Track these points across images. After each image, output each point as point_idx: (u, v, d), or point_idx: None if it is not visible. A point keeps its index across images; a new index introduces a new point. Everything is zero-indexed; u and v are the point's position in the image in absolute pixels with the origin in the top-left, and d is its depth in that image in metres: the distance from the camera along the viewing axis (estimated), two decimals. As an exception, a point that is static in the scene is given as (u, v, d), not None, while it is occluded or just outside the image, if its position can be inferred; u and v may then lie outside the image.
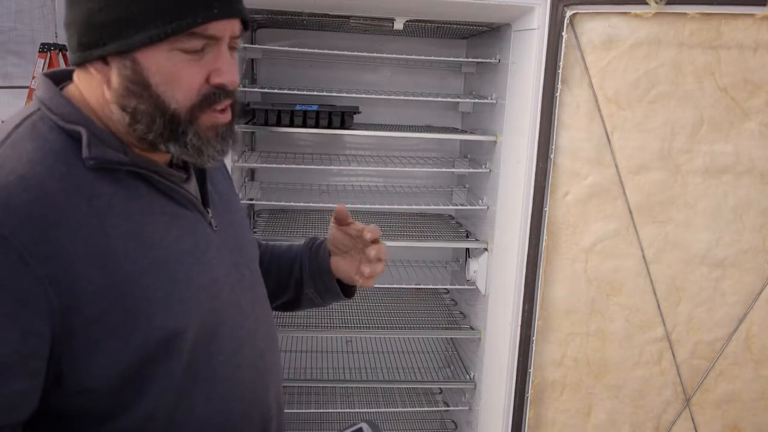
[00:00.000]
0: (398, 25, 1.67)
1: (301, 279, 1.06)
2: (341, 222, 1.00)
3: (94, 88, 0.72)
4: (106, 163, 0.69)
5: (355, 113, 1.78)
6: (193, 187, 0.83)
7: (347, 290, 1.08)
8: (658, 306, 1.55)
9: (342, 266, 1.04)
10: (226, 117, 0.76)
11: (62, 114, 0.70)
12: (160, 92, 0.69)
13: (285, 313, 2.01)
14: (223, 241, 0.83)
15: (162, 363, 0.72)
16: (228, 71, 0.72)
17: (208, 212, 0.82)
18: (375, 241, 0.99)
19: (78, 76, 0.74)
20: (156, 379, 0.73)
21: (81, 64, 0.71)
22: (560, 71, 1.44)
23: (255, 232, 1.91)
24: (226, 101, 0.74)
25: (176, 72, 0.69)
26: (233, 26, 0.72)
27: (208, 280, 0.78)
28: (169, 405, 0.74)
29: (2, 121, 0.79)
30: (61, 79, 0.76)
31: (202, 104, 0.71)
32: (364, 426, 0.88)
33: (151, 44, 0.67)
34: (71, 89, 0.74)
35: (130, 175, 0.72)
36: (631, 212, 1.51)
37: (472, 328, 1.96)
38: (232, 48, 0.74)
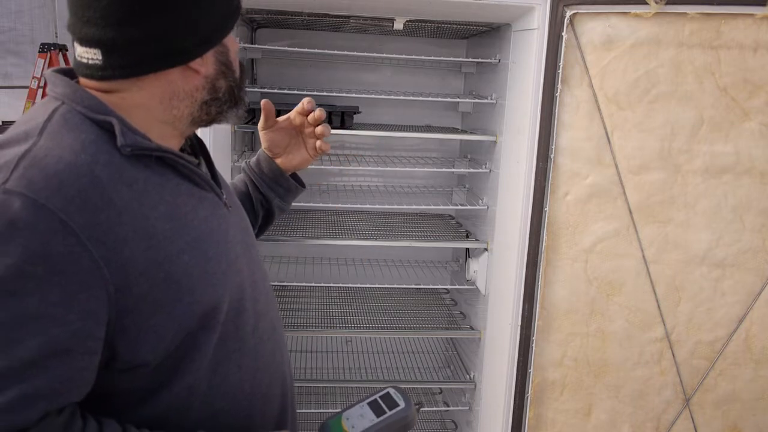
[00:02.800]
0: (398, 25, 1.67)
1: (264, 196, 1.16)
2: (269, 118, 1.11)
3: (162, 89, 0.77)
4: (140, 149, 0.74)
5: (355, 113, 1.78)
6: (203, 169, 0.88)
7: (300, 183, 1.21)
8: (658, 306, 1.55)
9: (291, 160, 1.16)
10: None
11: (90, 106, 0.74)
12: (234, 68, 0.83)
13: (285, 313, 2.01)
14: (236, 220, 0.90)
15: (201, 336, 0.77)
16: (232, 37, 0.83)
17: (222, 194, 0.87)
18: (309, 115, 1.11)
19: (130, 86, 0.76)
20: (195, 352, 0.77)
21: (176, 65, 0.77)
22: (560, 71, 1.44)
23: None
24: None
25: (235, 45, 0.84)
26: None
27: (233, 257, 0.84)
28: (206, 376, 0.80)
29: (1, 122, 0.80)
30: (70, 76, 0.79)
31: (241, 67, 0.85)
32: (391, 390, 0.93)
33: (230, 29, 0.81)
34: (84, 85, 0.78)
35: (158, 162, 0.77)
36: (631, 212, 1.51)
37: (472, 328, 1.96)
38: None
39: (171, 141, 0.82)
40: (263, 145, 1.15)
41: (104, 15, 0.71)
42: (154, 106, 0.78)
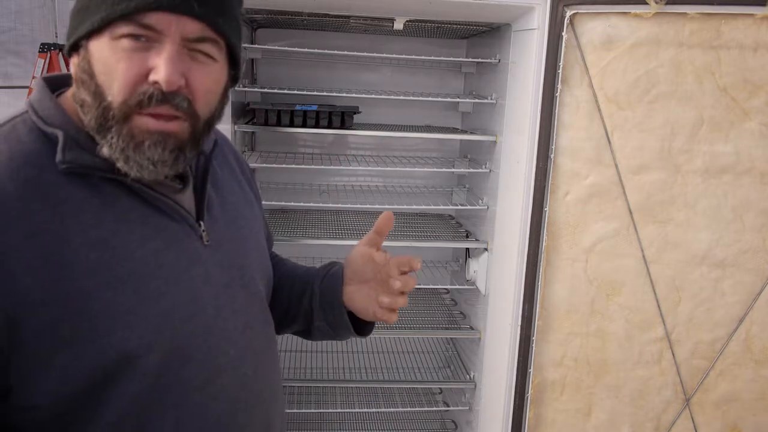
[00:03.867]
0: (398, 25, 1.67)
1: (311, 309, 0.95)
2: (381, 232, 0.88)
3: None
4: (80, 167, 0.66)
5: (355, 113, 1.78)
6: (187, 197, 0.77)
7: (362, 327, 0.95)
8: (658, 306, 1.55)
9: (358, 297, 0.90)
10: (171, 126, 0.67)
11: (45, 116, 0.68)
12: (100, 82, 0.66)
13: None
14: (215, 257, 0.77)
15: (121, 385, 0.67)
16: (164, 68, 0.64)
17: (200, 225, 0.77)
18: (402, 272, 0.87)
19: None
20: (113, 401, 0.67)
21: (69, 57, 0.70)
22: (560, 71, 1.44)
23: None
24: (164, 107, 0.66)
25: (115, 61, 0.65)
26: (183, 24, 0.65)
27: (185, 299, 0.72)
28: (127, 430, 0.69)
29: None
30: (64, 83, 0.74)
31: (138, 102, 0.65)
32: None
33: (96, 31, 0.65)
34: (69, 91, 0.72)
35: (110, 182, 0.69)
36: (631, 212, 1.51)
37: (472, 328, 1.96)
38: (196, 52, 0.68)
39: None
40: (350, 254, 0.92)
41: None
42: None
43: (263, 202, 1.97)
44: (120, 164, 0.66)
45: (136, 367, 0.67)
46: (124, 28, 0.64)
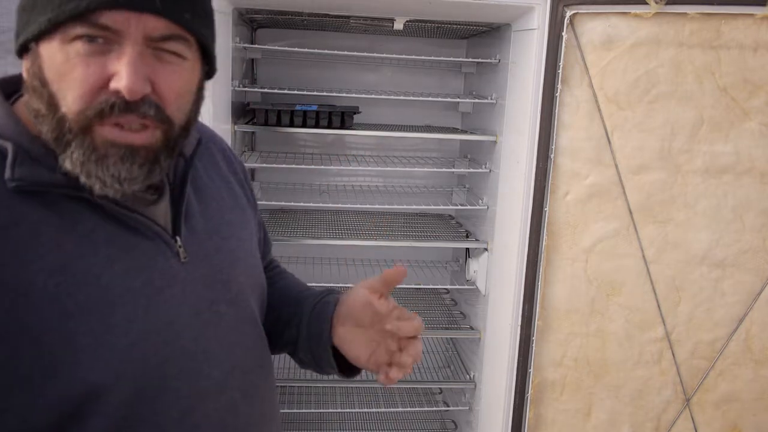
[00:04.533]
0: (398, 25, 1.67)
1: (297, 340, 0.86)
2: (388, 283, 0.80)
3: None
4: (32, 184, 0.59)
5: (355, 113, 1.78)
6: (161, 210, 0.69)
7: (348, 369, 0.85)
8: (658, 306, 1.55)
9: (348, 340, 0.81)
10: (139, 137, 0.60)
11: None
12: (53, 90, 0.58)
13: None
14: (195, 275, 0.70)
15: (88, 422, 0.60)
16: (126, 74, 0.57)
17: (176, 241, 0.69)
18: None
19: None
20: None
21: (19, 58, 0.62)
22: (560, 71, 1.44)
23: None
24: (129, 116, 0.59)
25: (68, 68, 0.57)
26: (144, 23, 0.58)
27: (159, 324, 0.65)
28: None
29: None
30: (19, 86, 0.64)
31: (95, 111, 0.58)
32: None
33: (45, 33, 0.58)
34: (23, 98, 0.64)
35: (71, 199, 0.61)
36: (631, 212, 1.51)
37: (472, 328, 1.96)
38: (162, 51, 0.61)
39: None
40: (349, 294, 0.83)
41: None
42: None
43: (263, 203, 1.98)
44: (82, 179, 0.59)
45: (103, 402, 0.61)
46: (78, 29, 0.57)
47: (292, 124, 1.76)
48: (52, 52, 0.58)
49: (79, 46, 0.57)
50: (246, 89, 1.87)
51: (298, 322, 0.86)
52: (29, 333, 0.57)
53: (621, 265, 1.54)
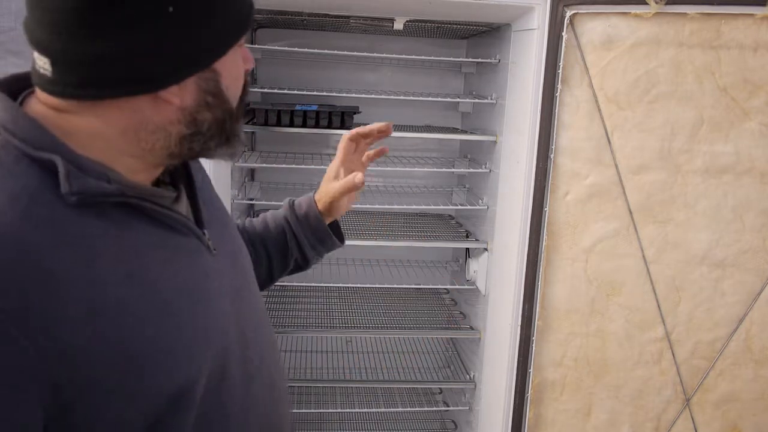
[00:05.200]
0: (398, 25, 1.67)
1: (303, 253, 1.05)
2: (384, 134, 1.01)
3: (125, 119, 0.61)
4: (90, 197, 0.58)
5: (355, 113, 1.78)
6: (184, 206, 0.73)
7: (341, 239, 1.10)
8: (658, 306, 1.55)
9: (340, 209, 1.04)
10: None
11: (29, 139, 0.57)
12: (228, 95, 0.65)
13: (285, 313, 2.01)
14: (223, 265, 0.74)
15: (172, 420, 0.63)
16: (249, 54, 0.67)
17: (204, 234, 0.72)
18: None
19: (84, 110, 0.60)
20: None
21: (140, 93, 0.60)
22: (560, 71, 1.44)
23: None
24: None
25: (237, 69, 0.66)
26: None
27: (214, 316, 0.69)
28: None
29: None
30: (18, 88, 0.63)
31: (244, 95, 0.68)
32: None
33: (231, 48, 0.64)
34: (34, 104, 0.61)
35: (119, 207, 0.61)
36: (631, 212, 1.51)
37: (472, 328, 1.96)
38: None
39: (140, 174, 0.65)
40: (323, 195, 1.03)
41: (53, 20, 0.55)
42: (115, 137, 0.61)
43: (263, 203, 1.99)
44: (229, 158, 0.69)
45: (185, 399, 0.64)
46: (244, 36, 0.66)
47: (292, 124, 1.76)
48: (229, 62, 0.64)
49: (237, 48, 0.65)
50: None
51: (296, 242, 1.03)
52: (115, 347, 0.57)
53: (621, 265, 1.54)
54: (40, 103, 0.61)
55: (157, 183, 0.70)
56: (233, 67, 0.65)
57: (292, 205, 1.05)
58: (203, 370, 0.65)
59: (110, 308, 0.57)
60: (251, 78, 2.04)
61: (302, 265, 1.08)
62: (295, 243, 1.03)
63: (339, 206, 1.03)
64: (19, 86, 0.63)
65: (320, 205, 1.03)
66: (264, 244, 1.03)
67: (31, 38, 0.58)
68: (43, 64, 0.58)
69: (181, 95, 0.61)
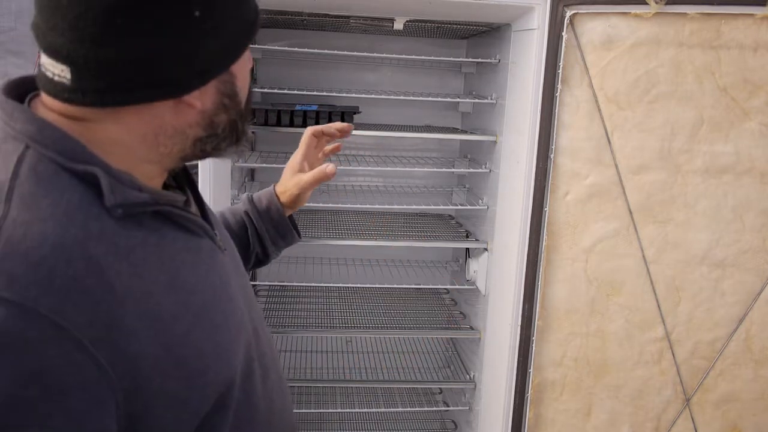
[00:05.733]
0: (398, 25, 1.67)
1: (264, 247, 1.06)
2: (344, 134, 1.05)
3: (145, 124, 0.61)
4: (132, 207, 0.59)
5: (355, 113, 1.78)
6: (193, 208, 0.75)
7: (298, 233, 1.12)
8: (658, 306, 1.55)
9: (299, 201, 1.07)
10: None
11: (64, 151, 0.57)
12: (241, 97, 0.67)
13: (285, 314, 2.01)
14: (231, 263, 0.77)
15: (216, 418, 0.66)
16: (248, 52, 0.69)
17: (216, 234, 0.74)
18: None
19: (105, 117, 0.60)
20: None
21: (164, 98, 0.60)
22: (560, 71, 1.44)
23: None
24: None
25: (246, 69, 0.68)
26: None
27: (240, 315, 0.72)
28: None
29: None
30: (21, 93, 0.62)
31: (249, 93, 0.71)
32: None
33: (245, 51, 0.66)
34: (47, 114, 0.60)
35: (151, 216, 0.63)
36: (631, 212, 1.51)
37: (472, 328, 1.96)
38: None
39: (155, 180, 0.67)
40: (289, 188, 1.06)
41: (75, 26, 0.54)
42: (135, 143, 0.61)
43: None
44: (236, 155, 0.72)
45: (228, 397, 0.67)
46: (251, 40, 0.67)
47: (292, 124, 1.76)
48: (242, 63, 0.65)
49: (246, 51, 0.66)
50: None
51: (257, 237, 1.05)
52: (170, 353, 0.59)
53: (621, 265, 1.54)
54: (50, 111, 0.60)
55: (166, 187, 0.71)
56: (244, 69, 0.67)
57: (251, 200, 1.07)
58: (240, 367, 0.69)
59: (161, 317, 0.59)
60: (252, 78, 2.04)
61: (262, 260, 1.09)
62: (257, 238, 1.05)
63: (303, 198, 1.07)
64: (20, 92, 0.62)
65: (283, 198, 1.06)
66: None
67: (44, 44, 0.57)
68: (59, 71, 0.56)
69: (202, 99, 0.62)
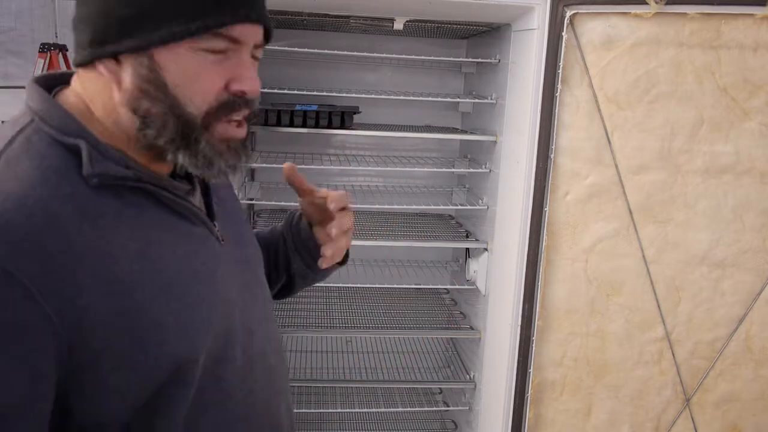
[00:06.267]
0: (398, 25, 1.67)
1: (287, 257, 1.01)
2: (297, 186, 0.93)
3: (101, 90, 0.67)
4: (109, 179, 0.64)
5: (355, 113, 1.78)
6: (197, 199, 0.78)
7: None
8: (658, 306, 1.55)
9: (322, 236, 0.96)
10: (242, 131, 0.71)
11: (58, 126, 0.64)
12: (176, 93, 0.65)
13: (285, 313, 2.01)
14: (231, 255, 0.79)
15: (173, 392, 0.68)
16: (250, 78, 0.68)
17: (215, 225, 0.77)
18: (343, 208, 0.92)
19: (81, 77, 0.68)
20: (167, 409, 0.68)
21: (90, 62, 0.66)
22: (560, 71, 1.44)
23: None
24: (245, 111, 0.69)
25: (197, 73, 0.65)
26: (257, 33, 0.68)
27: (219, 300, 0.73)
28: None
29: (2, 122, 0.77)
30: (52, 84, 0.70)
31: (219, 111, 0.67)
32: None
33: (173, 42, 0.63)
34: (67, 95, 0.69)
35: (134, 191, 0.67)
36: (631, 212, 1.51)
37: (472, 328, 1.96)
38: (254, 58, 0.71)
39: (156, 165, 0.71)
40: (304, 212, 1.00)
41: None
42: (99, 113, 0.67)
43: (263, 202, 1.99)
44: (200, 171, 0.68)
45: (186, 373, 0.68)
46: (212, 42, 0.64)
47: (292, 124, 1.76)
48: (177, 59, 0.64)
49: (210, 56, 0.65)
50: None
51: (284, 244, 1.01)
52: (125, 316, 0.62)
53: (621, 265, 1.53)
54: (72, 92, 0.69)
55: (174, 176, 0.75)
56: (187, 67, 0.64)
57: (293, 218, 1.03)
58: (203, 348, 0.69)
59: (121, 280, 0.62)
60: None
61: (290, 276, 1.04)
62: (284, 247, 1.01)
63: (314, 219, 0.99)
64: (53, 82, 0.70)
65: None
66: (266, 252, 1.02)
67: None
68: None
69: (116, 72, 0.65)
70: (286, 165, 0.92)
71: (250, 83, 0.68)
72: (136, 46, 0.63)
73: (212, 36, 0.64)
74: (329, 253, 0.90)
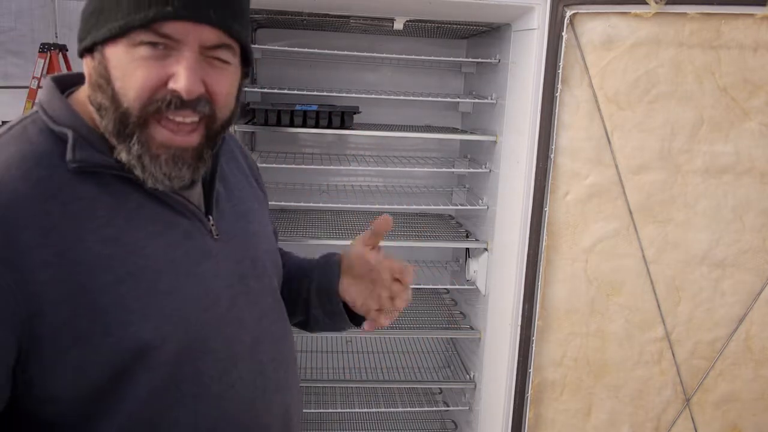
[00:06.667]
0: (398, 25, 1.67)
1: (308, 297, 0.96)
2: (378, 234, 0.88)
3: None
4: (90, 166, 0.67)
5: (355, 113, 1.78)
6: (195, 193, 0.78)
7: (356, 317, 0.95)
8: (658, 306, 1.55)
9: (351, 291, 0.91)
10: (189, 140, 0.69)
11: (54, 116, 0.69)
12: (116, 88, 0.66)
13: (285, 313, 2.01)
14: (226, 251, 0.79)
15: (137, 377, 0.69)
16: (185, 77, 0.65)
17: (209, 220, 0.78)
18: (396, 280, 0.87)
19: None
20: (131, 393, 0.69)
21: (81, 57, 0.71)
22: (560, 71, 1.44)
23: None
24: (189, 114, 0.67)
25: (132, 68, 0.66)
26: (200, 33, 0.66)
27: (198, 293, 0.74)
28: (147, 421, 0.71)
29: (2, 122, 0.79)
30: (74, 82, 0.75)
31: (152, 107, 0.66)
32: None
33: (113, 37, 0.65)
34: (80, 91, 0.74)
35: (122, 180, 0.70)
36: (631, 212, 1.51)
37: (472, 328, 1.96)
38: (212, 58, 0.69)
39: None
40: (349, 250, 0.92)
41: None
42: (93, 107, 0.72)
43: (263, 202, 1.97)
44: (137, 172, 0.68)
45: (151, 359, 0.69)
46: (143, 36, 0.65)
47: (292, 124, 1.76)
48: (117, 54, 0.66)
49: (143, 51, 0.65)
50: (246, 89, 1.87)
51: (309, 282, 0.96)
52: (87, 296, 0.65)
53: (621, 265, 1.53)
54: (83, 91, 0.72)
55: None
56: (125, 62, 0.66)
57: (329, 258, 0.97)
58: (171, 337, 0.70)
59: (86, 261, 0.65)
60: (251, 78, 2.04)
61: (304, 312, 0.99)
62: (307, 283, 0.96)
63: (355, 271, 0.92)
64: (70, 82, 0.75)
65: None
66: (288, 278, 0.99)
67: None
68: None
69: (89, 66, 0.69)
70: (386, 217, 0.87)
71: (183, 82, 0.65)
72: (91, 42, 0.67)
73: (145, 32, 0.65)
74: (383, 322, 0.89)
